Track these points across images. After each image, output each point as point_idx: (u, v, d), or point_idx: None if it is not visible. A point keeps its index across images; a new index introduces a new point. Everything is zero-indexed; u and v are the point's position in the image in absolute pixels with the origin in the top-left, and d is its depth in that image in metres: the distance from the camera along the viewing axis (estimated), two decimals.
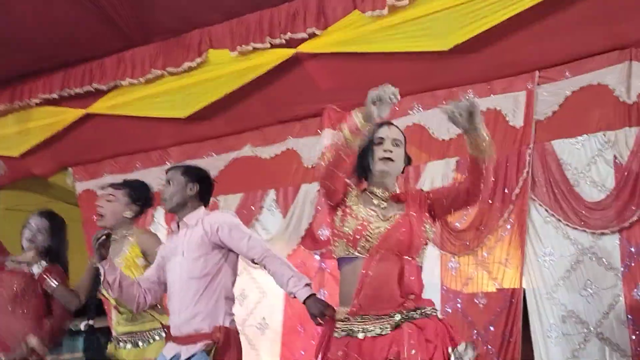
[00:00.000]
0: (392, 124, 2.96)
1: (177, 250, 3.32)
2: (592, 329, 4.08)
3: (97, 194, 6.27)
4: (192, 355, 3.17)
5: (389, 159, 2.83)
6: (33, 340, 4.03)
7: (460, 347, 2.61)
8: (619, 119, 4.19)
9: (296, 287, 3.05)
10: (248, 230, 3.37)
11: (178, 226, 3.39)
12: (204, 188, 3.44)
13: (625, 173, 4.11)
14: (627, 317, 3.97)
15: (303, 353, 5.12)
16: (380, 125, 2.88)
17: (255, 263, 3.28)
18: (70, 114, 5.96)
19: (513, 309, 4.33)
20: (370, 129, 2.72)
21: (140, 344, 3.62)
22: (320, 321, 2.92)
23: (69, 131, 6.10)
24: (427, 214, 2.83)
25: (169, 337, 3.31)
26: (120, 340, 3.69)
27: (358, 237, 2.74)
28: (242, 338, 5.33)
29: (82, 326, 3.76)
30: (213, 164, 5.84)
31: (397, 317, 2.66)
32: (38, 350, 4.02)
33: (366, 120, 2.62)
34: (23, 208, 6.77)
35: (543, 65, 4.51)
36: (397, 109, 5.01)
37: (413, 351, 2.55)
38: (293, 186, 5.45)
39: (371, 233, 2.74)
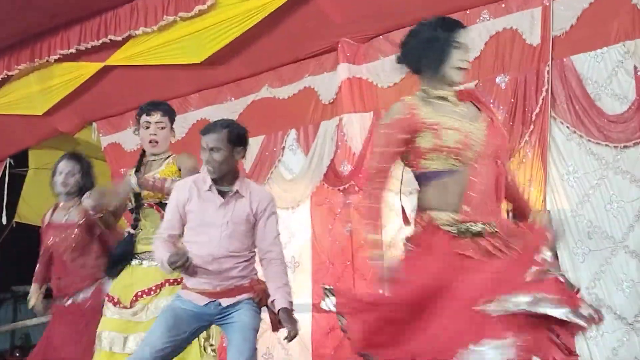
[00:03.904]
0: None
1: (213, 214, 3.21)
2: (618, 242, 4.03)
3: (122, 146, 6.41)
4: (237, 302, 3.19)
5: (464, 69, 2.64)
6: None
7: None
8: (638, 28, 4.07)
9: (281, 296, 3.19)
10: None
11: (218, 192, 3.24)
12: (246, 148, 3.33)
13: None
14: None
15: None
16: (457, 26, 2.65)
17: (261, 258, 3.29)
18: (89, 68, 6.00)
19: None
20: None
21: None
22: (286, 330, 3.17)
23: (90, 86, 6.16)
24: None
25: (185, 287, 3.27)
26: (142, 258, 3.72)
27: (461, 147, 2.57)
28: None
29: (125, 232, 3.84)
30: (232, 108, 5.87)
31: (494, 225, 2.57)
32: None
33: None
34: (52, 167, 6.90)
35: None
36: None
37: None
38: (313, 124, 5.45)
39: (474, 142, 2.58)
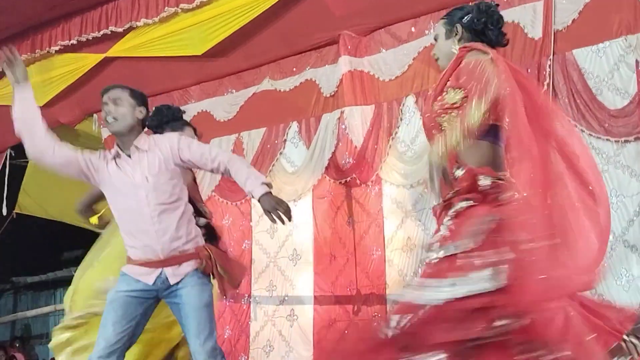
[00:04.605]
0: None
1: (130, 176, 3.16)
2: (618, 237, 4.04)
3: None
4: (183, 278, 3.16)
5: None
6: None
7: None
8: (639, 22, 4.06)
9: (253, 185, 3.07)
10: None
11: (121, 152, 3.20)
12: (147, 114, 3.30)
13: None
14: None
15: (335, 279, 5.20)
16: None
17: (220, 172, 3.23)
18: (90, 59, 6.01)
19: None
20: None
21: None
22: (274, 217, 2.97)
23: (91, 77, 6.15)
24: None
25: (130, 261, 3.22)
26: None
27: None
28: (275, 270, 5.53)
29: None
30: (233, 100, 5.87)
31: None
32: None
33: None
34: None
35: None
36: (414, 30, 4.94)
37: None
38: (314, 117, 5.45)
39: None
